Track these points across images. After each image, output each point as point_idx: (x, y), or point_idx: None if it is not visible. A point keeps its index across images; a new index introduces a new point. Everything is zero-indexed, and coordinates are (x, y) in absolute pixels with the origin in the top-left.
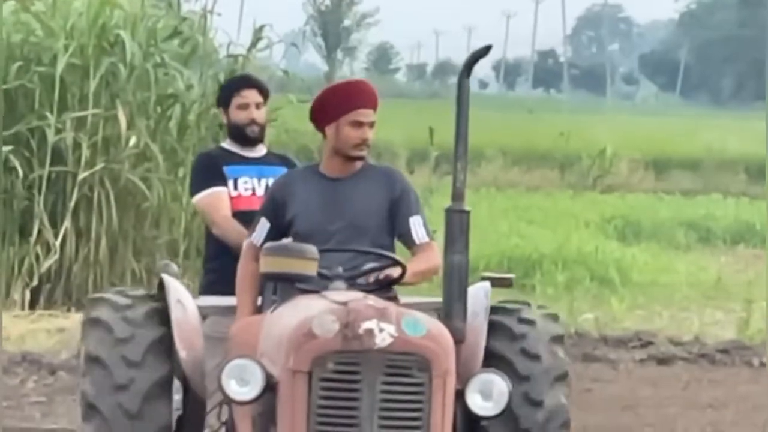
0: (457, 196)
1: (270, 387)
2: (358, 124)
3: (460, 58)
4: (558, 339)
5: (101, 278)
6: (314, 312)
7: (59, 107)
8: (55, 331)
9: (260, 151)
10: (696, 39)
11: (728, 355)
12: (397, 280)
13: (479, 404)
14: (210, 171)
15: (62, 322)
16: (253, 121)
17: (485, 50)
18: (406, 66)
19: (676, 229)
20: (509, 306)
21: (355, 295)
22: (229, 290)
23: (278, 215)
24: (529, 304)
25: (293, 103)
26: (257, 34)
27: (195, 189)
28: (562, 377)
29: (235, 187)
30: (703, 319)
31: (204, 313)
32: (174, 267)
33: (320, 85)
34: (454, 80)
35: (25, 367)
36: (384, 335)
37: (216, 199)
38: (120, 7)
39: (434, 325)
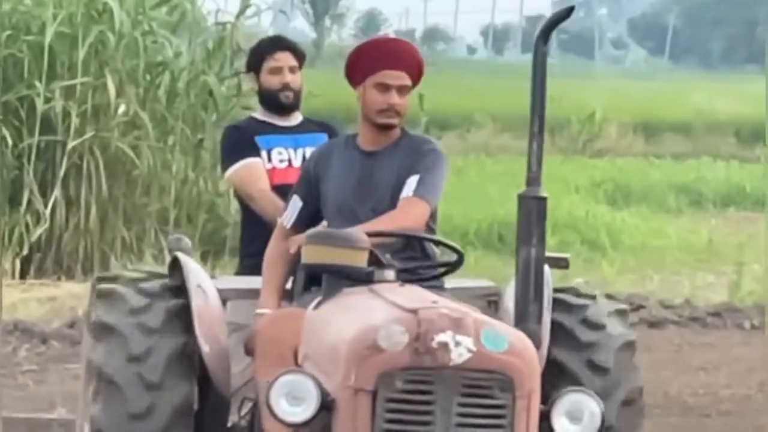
0: (533, 180)
1: (325, 405)
2: (384, 87)
3: (448, 24)
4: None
5: (92, 246)
6: (378, 320)
7: (48, 76)
8: (46, 300)
9: (296, 119)
10: (685, 2)
11: (720, 318)
12: (453, 269)
13: (567, 428)
14: (240, 143)
15: (53, 290)
16: (287, 86)
17: (567, 12)
18: (394, 32)
19: (667, 193)
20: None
21: (420, 298)
22: None
23: (312, 192)
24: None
25: None
26: (245, 2)
27: (226, 164)
28: (629, 345)
29: (269, 159)
30: (695, 282)
31: (224, 296)
32: (187, 241)
33: (308, 52)
34: (442, 46)
35: (17, 336)
36: (461, 350)
37: (251, 171)
38: None
39: (517, 338)
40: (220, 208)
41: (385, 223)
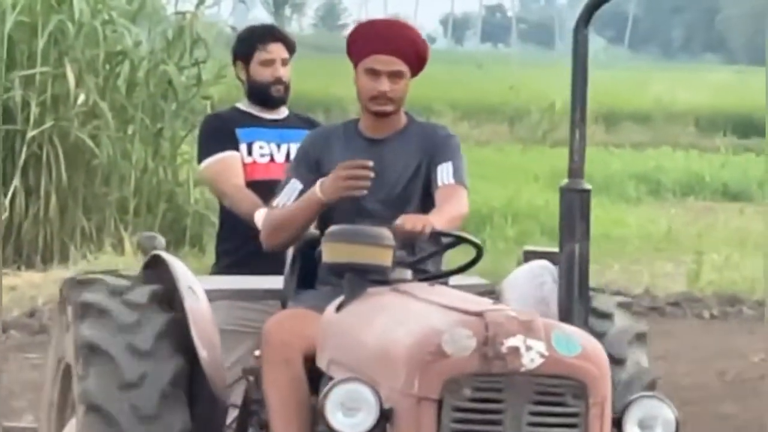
0: (575, 171)
1: (383, 415)
2: (374, 73)
3: (408, 14)
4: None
5: (51, 236)
6: (439, 324)
7: (7, 65)
8: (6, 289)
9: (282, 112)
10: None
11: (679, 308)
12: (472, 264)
13: None
14: (219, 134)
15: (13, 280)
16: (278, 80)
17: None
18: (354, 22)
19: (627, 182)
20: None
21: (473, 299)
22: (249, 274)
23: (311, 176)
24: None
25: None
26: None
27: (202, 155)
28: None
29: (249, 153)
30: (654, 272)
31: (209, 298)
32: (161, 240)
33: None
34: None
35: None
36: (532, 354)
37: (226, 166)
38: None
39: (588, 341)
40: (179, 197)
41: (450, 213)
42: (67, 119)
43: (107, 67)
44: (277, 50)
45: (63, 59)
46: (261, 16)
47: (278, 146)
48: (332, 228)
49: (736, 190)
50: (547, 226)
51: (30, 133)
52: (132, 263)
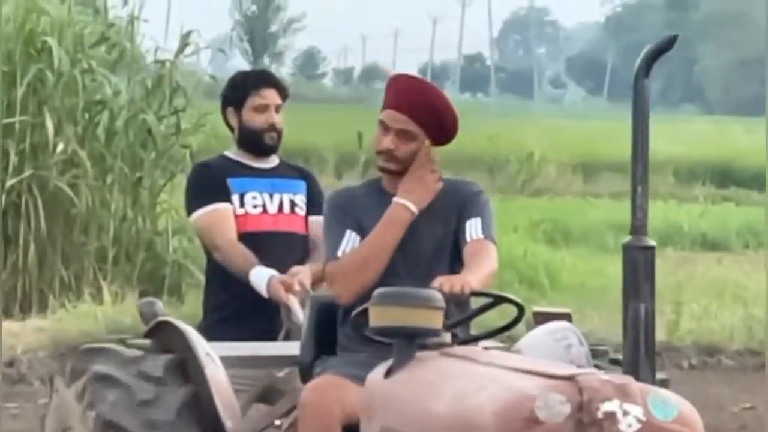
0: (638, 228)
1: None
2: (383, 127)
3: (386, 63)
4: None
5: (30, 285)
6: (528, 389)
7: None
8: None
9: (273, 161)
10: (623, 42)
11: (658, 357)
12: (514, 323)
13: None
14: (210, 184)
15: None
16: (272, 127)
17: (669, 42)
18: (333, 70)
19: (605, 232)
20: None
21: (550, 363)
22: (239, 333)
23: (357, 232)
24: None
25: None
26: (184, 40)
27: (192, 206)
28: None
29: (242, 204)
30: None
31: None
32: (160, 305)
33: None
34: (380, 85)
35: None
36: (629, 420)
37: (218, 218)
38: (47, 14)
39: (684, 405)
40: (158, 246)
41: (483, 271)
42: (46, 168)
43: (86, 116)
44: (271, 96)
45: (42, 108)
46: (240, 64)
47: (271, 196)
48: (380, 290)
49: (714, 240)
50: (526, 275)
51: (9, 182)
52: (110, 313)
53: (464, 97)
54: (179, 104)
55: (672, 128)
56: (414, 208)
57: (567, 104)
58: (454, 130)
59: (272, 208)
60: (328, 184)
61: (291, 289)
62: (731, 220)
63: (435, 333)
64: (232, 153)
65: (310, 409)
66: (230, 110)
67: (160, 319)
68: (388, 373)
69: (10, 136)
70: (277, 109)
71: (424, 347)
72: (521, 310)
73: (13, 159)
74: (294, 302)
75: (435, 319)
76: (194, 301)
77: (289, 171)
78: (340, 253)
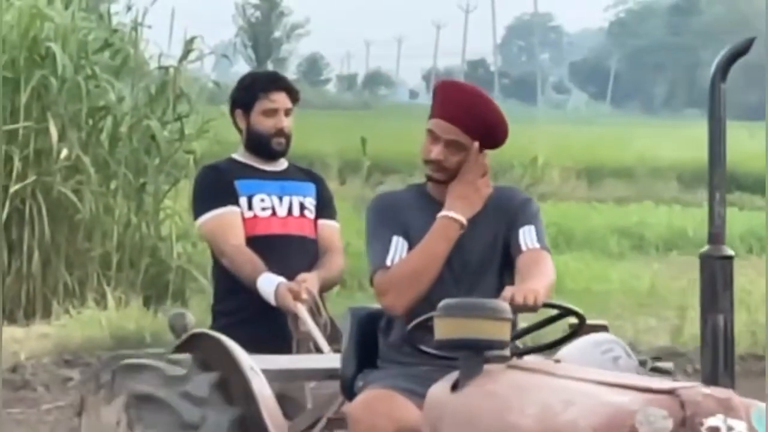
0: (716, 237)
1: None
2: (432, 136)
3: (390, 69)
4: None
5: (34, 291)
6: (627, 403)
7: None
8: None
9: (282, 164)
10: (626, 47)
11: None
12: (573, 335)
13: None
14: (217, 187)
15: None
16: (281, 132)
17: (746, 45)
18: (336, 76)
19: (609, 237)
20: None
21: (632, 376)
22: (246, 338)
23: (406, 237)
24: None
25: (225, 114)
26: (188, 46)
27: (199, 210)
28: None
29: (250, 207)
30: (637, 326)
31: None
32: (191, 317)
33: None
34: (384, 91)
35: None
36: None
37: (225, 223)
38: (51, 20)
39: None
40: (162, 252)
41: (546, 283)
42: (50, 174)
43: (90, 122)
44: (281, 99)
45: (46, 114)
46: (243, 70)
47: (280, 199)
48: (446, 302)
49: None
50: None
51: (13, 188)
52: (114, 318)
53: None
54: (183, 110)
55: (676, 133)
56: (463, 220)
57: (570, 109)
58: (504, 139)
59: (281, 211)
60: (332, 190)
61: (299, 297)
62: (735, 224)
63: (503, 345)
64: (240, 155)
65: (360, 425)
66: (239, 112)
67: (195, 331)
68: (455, 387)
69: (14, 142)
70: (287, 112)
71: (485, 360)
72: (582, 321)
73: (17, 165)
74: (302, 310)
75: (503, 331)
76: (198, 306)
77: (299, 174)
78: (389, 263)
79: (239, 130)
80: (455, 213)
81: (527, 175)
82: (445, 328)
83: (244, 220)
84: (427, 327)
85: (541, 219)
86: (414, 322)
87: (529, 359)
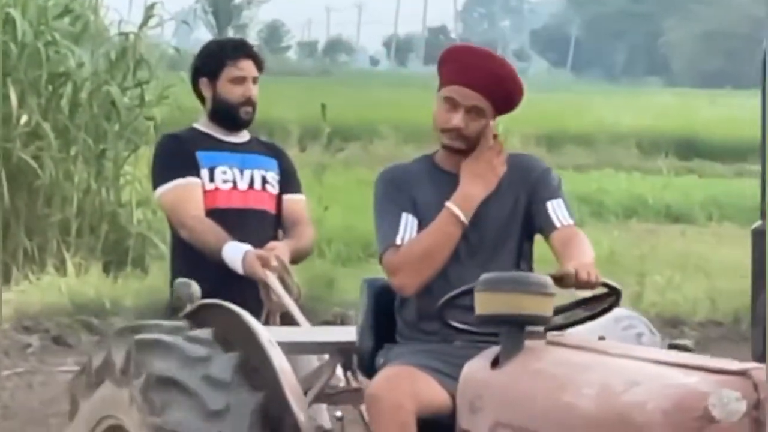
0: None
1: None
2: (451, 104)
3: (350, 36)
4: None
5: None
6: (699, 385)
7: None
8: None
9: (244, 136)
10: (587, 14)
11: None
12: (609, 309)
13: None
14: (178, 157)
15: None
16: (249, 101)
17: None
18: (297, 43)
19: (569, 204)
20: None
21: (683, 354)
22: None
23: (413, 212)
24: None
25: (185, 81)
26: (148, 12)
27: (159, 179)
28: None
29: (211, 179)
30: (596, 292)
31: None
32: (196, 287)
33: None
34: (345, 57)
35: None
36: None
37: (186, 194)
38: None
39: None
40: (122, 218)
41: (591, 260)
42: (10, 140)
43: (50, 88)
44: (248, 68)
45: (6, 80)
46: (204, 37)
47: (241, 172)
48: (487, 276)
49: (678, 212)
50: None
51: None
52: (74, 285)
53: (429, 70)
54: (143, 76)
55: (636, 101)
56: (463, 218)
57: (531, 76)
58: (519, 101)
59: (242, 185)
60: (292, 157)
61: (268, 264)
62: (695, 192)
63: (546, 320)
64: (202, 125)
65: (385, 404)
66: (203, 81)
67: (207, 301)
68: (495, 364)
69: None
70: (254, 81)
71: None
72: (618, 295)
73: None
74: (272, 278)
75: (546, 306)
76: (158, 272)
77: (261, 147)
78: (399, 241)
79: (201, 99)
80: (460, 211)
81: None
82: (486, 303)
83: (204, 192)
84: (453, 303)
85: (563, 190)
86: (444, 298)
87: (569, 336)
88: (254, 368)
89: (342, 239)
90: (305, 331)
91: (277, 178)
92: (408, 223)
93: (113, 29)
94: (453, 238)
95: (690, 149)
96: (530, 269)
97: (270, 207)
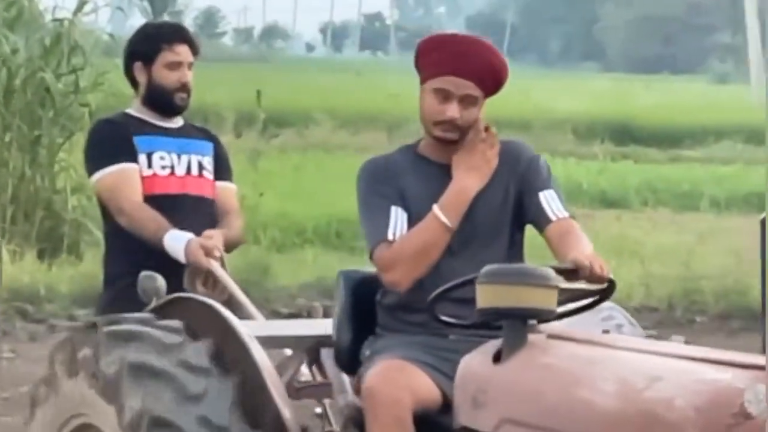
0: None
1: None
2: (443, 95)
3: (287, 22)
4: None
5: None
6: (731, 380)
7: None
8: None
9: (178, 121)
10: (522, 1)
11: None
12: (602, 300)
13: None
14: (114, 142)
15: None
16: (184, 86)
17: None
18: (233, 30)
19: (560, 193)
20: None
21: (706, 349)
22: (141, 301)
23: (403, 204)
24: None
25: (119, 67)
26: None
27: (94, 165)
28: None
29: (149, 165)
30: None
31: None
32: (162, 280)
33: None
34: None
35: None
36: None
37: (124, 180)
38: None
39: None
40: (57, 205)
41: (590, 251)
42: None
43: None
44: (184, 52)
45: None
46: (139, 23)
47: (179, 157)
48: (489, 268)
49: (613, 198)
50: None
51: None
52: (9, 271)
53: (364, 56)
54: (78, 63)
55: (572, 86)
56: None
57: None
58: (505, 82)
59: (180, 170)
60: (227, 143)
61: (211, 253)
62: (630, 177)
63: (550, 314)
64: (135, 110)
65: (381, 399)
66: (138, 65)
67: (179, 295)
68: (498, 358)
69: None
70: (189, 66)
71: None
72: (612, 285)
73: None
74: (217, 267)
75: (550, 299)
76: (93, 259)
77: (196, 132)
78: (390, 236)
79: (134, 84)
80: (444, 216)
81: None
82: (488, 296)
83: (142, 178)
84: (444, 296)
85: (554, 178)
86: (436, 292)
87: (570, 330)
88: (231, 360)
89: (277, 225)
90: (280, 325)
91: (212, 163)
92: (398, 216)
93: (48, 15)
94: (447, 236)
95: (626, 135)
96: (521, 260)
97: (208, 193)
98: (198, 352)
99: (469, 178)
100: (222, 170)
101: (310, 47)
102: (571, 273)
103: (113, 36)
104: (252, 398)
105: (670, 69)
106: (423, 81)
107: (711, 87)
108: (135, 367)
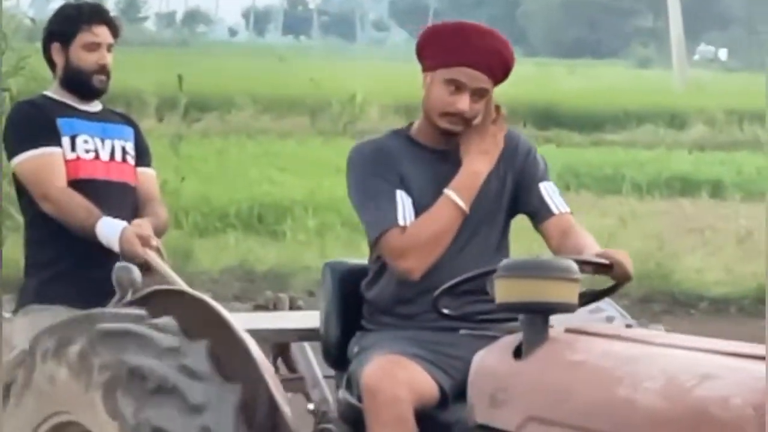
0: None
1: None
2: (455, 86)
3: (209, 7)
4: None
5: None
6: (763, 374)
7: None
8: None
9: (97, 105)
10: None
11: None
12: (614, 290)
13: None
14: (38, 125)
15: None
16: (103, 68)
17: None
18: (155, 14)
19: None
20: None
21: (727, 341)
22: (75, 291)
23: (406, 188)
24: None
25: (41, 51)
26: None
27: (15, 148)
28: None
29: (73, 148)
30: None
31: None
32: (137, 272)
33: None
34: (203, 28)
35: None
36: None
37: (48, 164)
38: None
39: None
40: None
41: (597, 249)
42: None
43: None
44: (103, 34)
45: None
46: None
47: (102, 141)
48: (508, 261)
49: None
50: (348, 218)
51: None
52: None
53: (287, 40)
54: None
55: None
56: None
57: (390, 47)
58: (510, 73)
59: (104, 155)
60: (149, 127)
61: (148, 243)
62: (553, 161)
63: (571, 308)
64: (54, 93)
65: (380, 394)
66: (56, 46)
67: (162, 287)
68: (518, 354)
69: None
70: (109, 48)
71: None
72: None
73: None
74: (154, 257)
75: (572, 293)
76: (13, 244)
77: (116, 117)
78: (402, 222)
79: (52, 66)
80: (459, 198)
81: (345, 112)
82: (508, 290)
83: (66, 162)
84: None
85: (549, 172)
86: (441, 288)
87: (588, 324)
88: (225, 358)
89: (199, 210)
90: (267, 317)
91: (134, 148)
92: (404, 201)
93: None
94: (460, 220)
95: (548, 119)
96: (508, 250)
97: (131, 179)
98: (198, 356)
99: (480, 162)
100: (142, 156)
101: (232, 32)
102: (600, 267)
103: (35, 20)
104: (253, 400)
105: (593, 53)
106: (431, 68)
107: (633, 71)
108: (134, 373)
